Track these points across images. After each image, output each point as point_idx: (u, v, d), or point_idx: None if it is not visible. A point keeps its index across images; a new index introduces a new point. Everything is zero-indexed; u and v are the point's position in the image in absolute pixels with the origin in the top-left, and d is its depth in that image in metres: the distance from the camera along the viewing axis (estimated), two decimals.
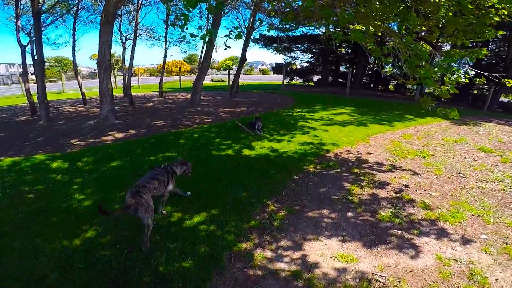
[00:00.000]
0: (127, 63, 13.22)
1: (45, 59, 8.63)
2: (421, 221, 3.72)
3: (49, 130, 7.86)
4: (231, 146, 6.10)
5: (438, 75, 3.38)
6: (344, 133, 7.26)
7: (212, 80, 32.12)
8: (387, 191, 4.46)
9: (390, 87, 22.51)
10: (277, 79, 30.88)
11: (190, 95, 13.28)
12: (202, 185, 4.39)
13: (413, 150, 6.18)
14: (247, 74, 52.38)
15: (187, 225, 3.51)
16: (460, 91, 18.36)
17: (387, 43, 4.15)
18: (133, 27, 12.43)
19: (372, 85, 22.85)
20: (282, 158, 5.49)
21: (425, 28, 4.74)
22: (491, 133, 8.05)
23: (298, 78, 23.87)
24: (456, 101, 17.03)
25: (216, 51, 10.13)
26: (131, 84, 13.19)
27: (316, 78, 23.56)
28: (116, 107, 10.99)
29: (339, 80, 22.22)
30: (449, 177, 5.03)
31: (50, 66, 37.35)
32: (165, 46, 13.45)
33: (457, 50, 4.12)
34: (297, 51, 22.69)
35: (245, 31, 13.13)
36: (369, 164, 5.42)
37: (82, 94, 11.73)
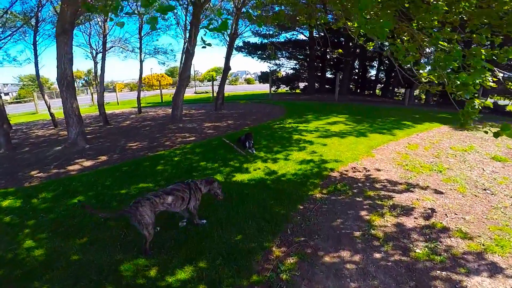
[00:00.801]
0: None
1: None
2: (465, 256, 2.99)
3: (9, 160, 6.72)
4: (220, 171, 5.19)
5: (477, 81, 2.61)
6: (345, 146, 6.51)
7: (195, 93, 31.26)
8: (415, 219, 3.68)
9: (377, 91, 22.30)
10: (263, 88, 30.37)
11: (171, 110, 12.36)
12: (185, 227, 3.45)
13: (426, 164, 5.47)
14: (232, 84, 51.94)
15: (168, 284, 2.65)
16: (446, 94, 18.16)
17: (403, 41, 3.41)
18: (101, 39, 11.44)
19: (358, 90, 22.62)
20: (282, 183, 4.62)
21: (437, 24, 4.05)
22: (497, 139, 7.49)
23: (284, 86, 23.35)
24: (444, 104, 16.82)
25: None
26: (105, 101, 12.08)
27: (302, 85, 23.14)
28: (89, 128, 9.96)
29: (326, 86, 21.82)
30: (476, 195, 4.32)
31: (24, 85, 35.66)
32: (140, 57, 12.55)
33: (482, 50, 3.43)
34: (281, 58, 22.21)
35: (228, 39, 12.44)
36: (382, 183, 4.65)
37: (51, 115, 10.57)
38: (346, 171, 5.13)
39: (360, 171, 5.11)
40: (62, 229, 3.55)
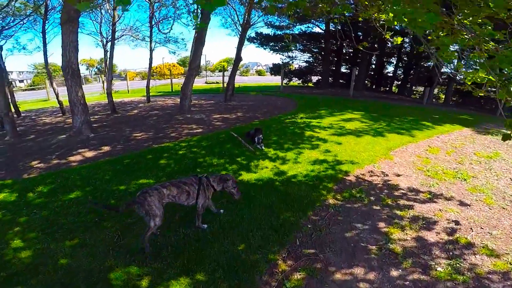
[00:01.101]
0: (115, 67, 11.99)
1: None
2: (490, 276, 2.68)
3: (13, 148, 6.58)
4: (225, 168, 4.88)
5: None
6: (362, 146, 6.09)
7: (206, 82, 30.98)
8: (437, 233, 3.31)
9: (394, 88, 21.49)
10: (274, 80, 29.79)
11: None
12: (184, 232, 3.17)
13: (449, 171, 5.03)
14: (243, 76, 51.35)
15: None
16: (467, 94, 17.15)
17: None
18: (111, 27, 11.25)
19: (374, 86, 21.85)
20: (292, 185, 4.27)
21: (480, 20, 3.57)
22: None
23: (296, 79, 22.79)
24: (464, 105, 16.04)
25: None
26: (115, 90, 11.91)
27: (315, 78, 22.52)
28: (96, 116, 9.82)
29: (340, 81, 21.16)
30: (504, 208, 3.91)
31: (38, 72, 36.97)
32: (150, 46, 12.31)
33: None
34: (295, 51, 21.55)
35: (240, 29, 12.04)
36: (402, 191, 4.26)
37: (59, 102, 10.53)
38: (363, 174, 4.74)
39: (378, 175, 4.72)
40: (54, 228, 3.32)
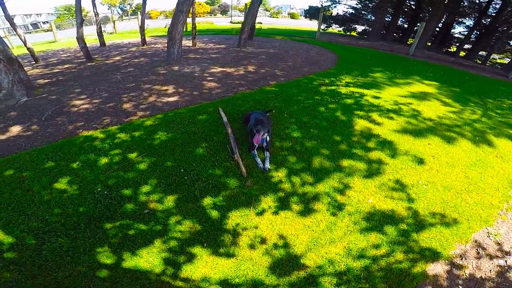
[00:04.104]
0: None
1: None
2: None
3: None
4: (165, 243, 2.19)
5: None
6: (460, 170, 3.14)
7: (231, 22, 27.02)
8: None
9: (461, 53, 16.69)
10: (309, 24, 25.14)
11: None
12: None
13: None
14: (273, 17, 45.58)
15: None
16: None
17: None
18: None
19: (434, 46, 17.22)
20: None
21: None
22: None
23: (337, 26, 18.43)
24: None
25: None
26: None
27: (360, 28, 18.10)
28: (66, 65, 7.45)
29: (394, 34, 16.74)
30: None
31: (60, 14, 37.49)
32: None
33: None
34: None
35: None
36: None
37: (29, 50, 8.21)
38: (463, 256, 1.95)
39: (491, 258, 1.94)
40: None
